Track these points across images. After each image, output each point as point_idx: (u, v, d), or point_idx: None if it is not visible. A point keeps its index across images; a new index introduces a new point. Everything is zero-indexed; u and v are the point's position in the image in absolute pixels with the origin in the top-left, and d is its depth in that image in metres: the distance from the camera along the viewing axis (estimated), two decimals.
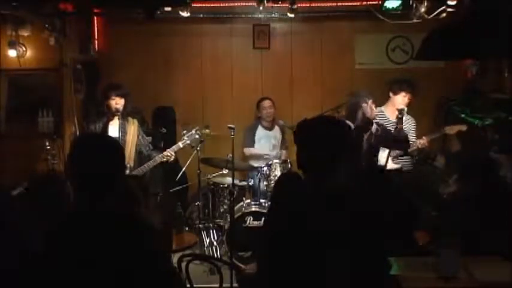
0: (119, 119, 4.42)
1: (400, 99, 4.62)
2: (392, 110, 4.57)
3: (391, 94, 4.70)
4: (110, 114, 4.41)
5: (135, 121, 4.54)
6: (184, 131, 4.57)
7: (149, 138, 4.92)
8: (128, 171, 4.26)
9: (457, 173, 4.84)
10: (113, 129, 4.41)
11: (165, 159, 4.42)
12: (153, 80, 6.07)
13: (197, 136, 4.54)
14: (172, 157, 4.45)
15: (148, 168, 4.38)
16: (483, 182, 4.57)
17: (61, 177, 4.04)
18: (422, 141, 4.57)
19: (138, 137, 4.48)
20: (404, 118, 4.56)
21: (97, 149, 1.81)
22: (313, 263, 1.80)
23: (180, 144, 4.48)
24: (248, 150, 5.41)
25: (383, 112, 4.67)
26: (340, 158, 1.95)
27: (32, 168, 5.03)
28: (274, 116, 5.52)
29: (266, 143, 5.43)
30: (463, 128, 4.56)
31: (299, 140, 2.00)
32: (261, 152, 5.32)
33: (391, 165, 4.48)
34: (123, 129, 4.40)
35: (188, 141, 4.52)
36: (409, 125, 4.66)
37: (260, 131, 5.47)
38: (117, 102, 4.37)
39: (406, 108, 4.47)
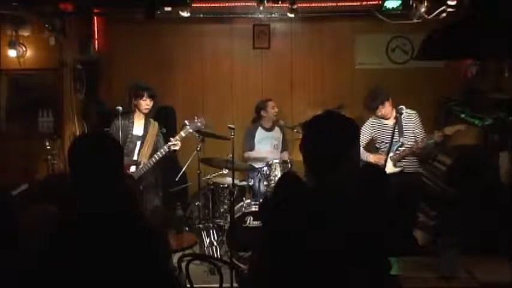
0: (144, 118, 4.48)
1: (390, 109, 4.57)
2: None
3: (380, 108, 4.59)
4: (137, 113, 4.45)
5: (156, 124, 4.57)
6: (187, 121, 4.46)
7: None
8: (143, 170, 4.31)
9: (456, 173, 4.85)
10: (138, 128, 4.47)
11: (171, 149, 4.32)
12: (153, 80, 6.00)
13: (199, 124, 4.43)
14: (178, 146, 4.34)
15: (154, 161, 4.34)
16: (482, 183, 4.59)
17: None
18: (437, 135, 4.42)
19: (156, 139, 4.50)
20: (404, 115, 4.42)
21: (96, 149, 1.81)
22: (313, 263, 1.80)
23: (183, 133, 4.38)
24: (248, 154, 5.40)
25: (379, 119, 4.64)
26: (346, 156, 1.95)
27: (32, 168, 5.04)
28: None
29: (267, 144, 5.41)
30: (462, 127, 4.50)
31: (307, 137, 1.98)
32: (261, 155, 5.31)
33: (391, 169, 4.43)
34: (146, 128, 4.47)
35: (190, 130, 4.40)
36: (411, 120, 4.51)
37: (260, 133, 5.44)
38: (148, 103, 4.42)
39: (404, 107, 4.43)
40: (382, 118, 4.60)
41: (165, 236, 3.64)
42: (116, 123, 4.41)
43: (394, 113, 4.49)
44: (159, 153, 4.33)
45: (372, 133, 4.69)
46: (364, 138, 4.67)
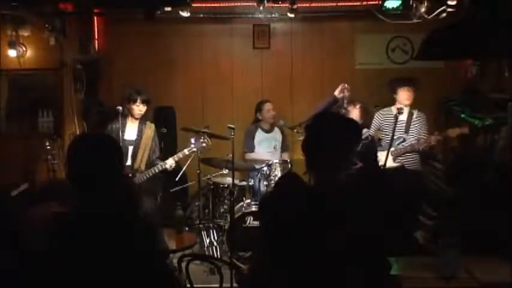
0: (138, 122, 4.43)
1: (404, 95, 4.66)
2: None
3: (393, 94, 4.75)
4: (130, 116, 4.41)
5: (152, 126, 4.50)
6: (192, 139, 4.47)
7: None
8: (138, 175, 4.28)
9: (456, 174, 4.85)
10: (131, 132, 4.40)
11: (166, 167, 4.33)
12: (153, 80, 6.07)
13: (204, 145, 4.44)
14: (172, 166, 4.37)
15: (150, 174, 4.32)
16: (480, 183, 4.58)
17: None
18: (434, 138, 4.56)
19: (152, 142, 4.45)
20: (414, 116, 4.71)
21: (95, 149, 1.81)
22: (313, 262, 1.80)
23: (186, 151, 4.40)
24: (249, 155, 5.40)
25: (391, 111, 4.69)
26: (348, 157, 1.95)
27: (32, 168, 5.03)
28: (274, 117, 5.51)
29: (267, 146, 5.40)
30: (465, 130, 4.58)
31: (309, 138, 1.98)
32: (261, 157, 5.30)
33: (391, 164, 4.52)
34: (140, 132, 4.41)
35: (194, 149, 4.43)
36: (419, 122, 4.73)
37: (260, 134, 5.43)
38: (141, 109, 4.36)
39: (404, 107, 4.52)
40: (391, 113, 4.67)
41: (164, 236, 3.63)
42: (108, 127, 4.41)
43: (406, 109, 4.64)
44: (158, 167, 4.32)
45: (379, 124, 4.83)
46: (372, 128, 4.84)
